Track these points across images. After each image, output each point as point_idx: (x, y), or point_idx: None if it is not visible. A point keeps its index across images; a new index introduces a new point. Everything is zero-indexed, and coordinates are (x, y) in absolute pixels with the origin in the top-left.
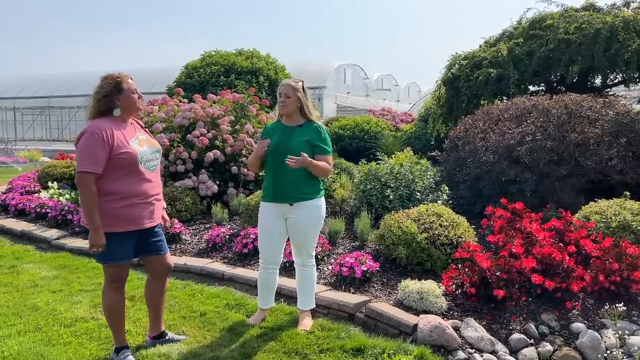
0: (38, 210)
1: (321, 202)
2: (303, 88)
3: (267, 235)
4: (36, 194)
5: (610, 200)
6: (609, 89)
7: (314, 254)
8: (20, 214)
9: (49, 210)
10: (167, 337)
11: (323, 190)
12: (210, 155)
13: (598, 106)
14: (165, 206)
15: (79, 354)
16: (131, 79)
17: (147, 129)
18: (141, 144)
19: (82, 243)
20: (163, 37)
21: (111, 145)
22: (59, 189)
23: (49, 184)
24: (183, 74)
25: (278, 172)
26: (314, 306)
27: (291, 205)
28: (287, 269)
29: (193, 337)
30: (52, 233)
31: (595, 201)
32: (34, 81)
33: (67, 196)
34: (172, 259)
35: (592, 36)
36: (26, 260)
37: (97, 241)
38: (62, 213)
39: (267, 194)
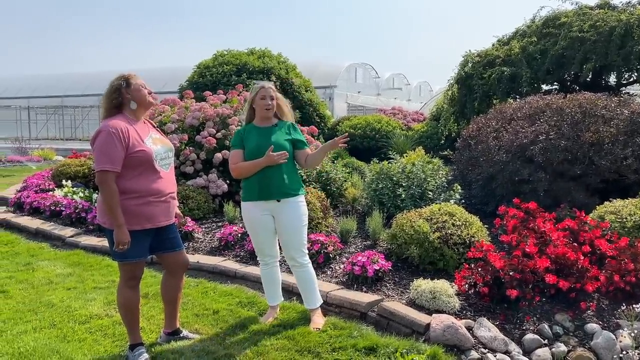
0: (52, 208)
1: (303, 199)
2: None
3: (258, 229)
4: (50, 192)
5: (625, 200)
6: (623, 88)
7: (306, 251)
8: (35, 212)
9: (63, 209)
10: (181, 335)
11: (303, 189)
12: (219, 156)
13: (613, 105)
14: (178, 204)
15: (94, 351)
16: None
17: (159, 129)
18: (155, 142)
19: (95, 241)
20: (175, 37)
21: (127, 144)
22: (73, 187)
23: (63, 182)
24: (195, 74)
25: (264, 172)
26: (322, 302)
27: (278, 201)
28: None
29: (206, 335)
30: (66, 231)
31: (610, 201)
32: (48, 81)
33: (81, 194)
34: None
35: (607, 34)
36: (41, 257)
37: (122, 238)
38: (76, 211)
39: (251, 194)
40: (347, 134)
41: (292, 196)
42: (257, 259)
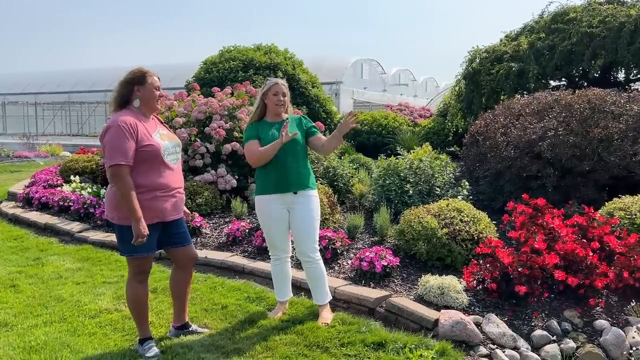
0: (61, 203)
1: (317, 193)
2: None
3: (272, 224)
4: (59, 188)
5: (634, 196)
6: (632, 84)
7: (318, 247)
8: (44, 207)
9: (72, 204)
10: (190, 329)
11: (315, 184)
12: (229, 147)
13: (622, 101)
14: (184, 200)
15: (104, 345)
16: (157, 77)
17: (166, 125)
18: (162, 138)
19: (104, 236)
20: (182, 33)
21: (136, 138)
22: (80, 182)
23: (71, 177)
24: (202, 69)
25: (281, 164)
26: (331, 298)
27: (295, 193)
28: None
29: (215, 329)
30: (74, 226)
31: (619, 197)
32: (55, 77)
33: (89, 190)
34: None
35: (616, 30)
36: (50, 252)
37: (140, 232)
38: (85, 206)
39: (267, 186)
40: (356, 112)
41: (308, 189)
42: (269, 253)
